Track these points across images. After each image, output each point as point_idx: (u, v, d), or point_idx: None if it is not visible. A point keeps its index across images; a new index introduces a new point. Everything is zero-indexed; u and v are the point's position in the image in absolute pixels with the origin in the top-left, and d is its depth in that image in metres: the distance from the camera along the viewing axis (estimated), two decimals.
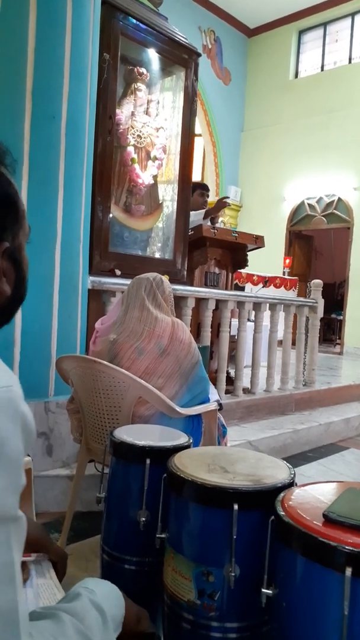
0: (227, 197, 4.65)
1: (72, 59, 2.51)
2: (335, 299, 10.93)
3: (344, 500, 0.87)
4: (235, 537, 0.97)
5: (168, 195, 3.75)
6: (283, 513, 0.85)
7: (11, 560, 0.54)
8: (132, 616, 0.81)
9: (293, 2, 9.55)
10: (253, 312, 4.01)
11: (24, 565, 0.85)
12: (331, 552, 0.74)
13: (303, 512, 0.84)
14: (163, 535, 1.15)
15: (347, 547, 0.73)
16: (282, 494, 0.93)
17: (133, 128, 3.35)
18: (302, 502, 0.88)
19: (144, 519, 1.25)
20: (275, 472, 1.08)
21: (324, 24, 9.81)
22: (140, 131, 3.39)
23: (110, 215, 3.19)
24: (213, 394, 2.13)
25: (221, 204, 4.33)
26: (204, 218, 4.22)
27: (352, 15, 9.39)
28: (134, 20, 3.23)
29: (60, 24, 2.46)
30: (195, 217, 4.09)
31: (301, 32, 10.17)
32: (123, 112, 3.31)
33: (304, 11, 9.76)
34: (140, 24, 3.27)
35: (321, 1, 9.44)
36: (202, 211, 4.28)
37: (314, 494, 0.92)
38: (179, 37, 3.57)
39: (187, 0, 9.17)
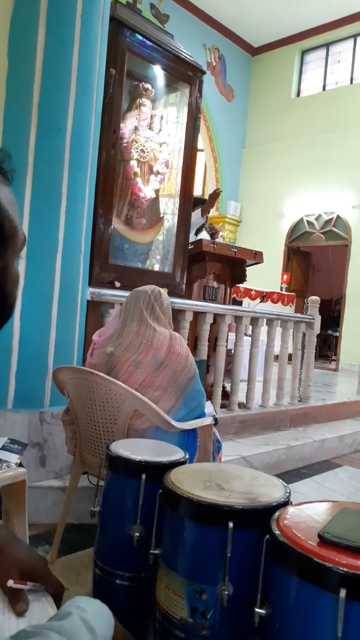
0: (220, 190, 4.76)
1: (79, 73, 2.54)
2: (332, 315, 10.97)
3: (339, 521, 0.87)
4: (229, 555, 0.97)
5: (169, 209, 3.78)
6: (278, 532, 0.85)
7: None
8: (119, 637, 0.80)
9: (296, 23, 9.71)
10: (250, 327, 4.02)
11: (21, 593, 0.81)
12: (326, 573, 0.75)
13: (298, 531, 0.84)
14: (157, 551, 1.15)
15: (341, 569, 0.74)
16: (277, 513, 0.94)
17: (137, 142, 3.39)
18: (297, 522, 0.88)
19: (138, 534, 1.25)
20: (271, 490, 1.09)
21: (327, 45, 9.97)
22: (144, 145, 3.43)
23: (112, 227, 3.21)
24: (208, 407, 2.13)
25: (215, 194, 4.45)
26: (202, 215, 4.31)
27: (354, 36, 9.55)
28: (141, 37, 3.28)
29: (69, 39, 2.50)
30: (195, 216, 4.15)
31: (304, 52, 10.33)
32: (127, 126, 3.35)
33: (307, 32, 9.92)
34: (147, 41, 3.32)
35: (324, 22, 9.60)
36: (199, 210, 4.34)
37: (309, 513, 0.92)
38: (184, 54, 3.62)
39: (193, 18, 9.32)
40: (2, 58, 2.46)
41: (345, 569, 0.74)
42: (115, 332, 2.00)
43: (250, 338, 4.06)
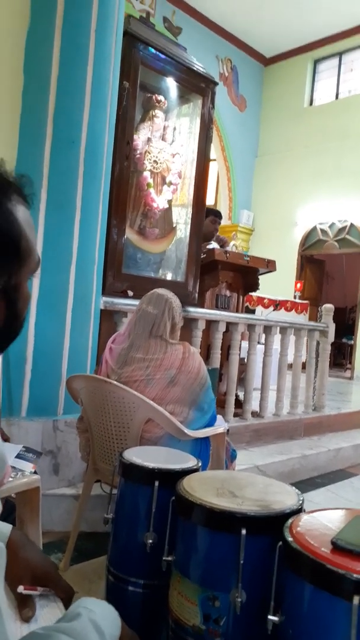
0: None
1: (93, 87, 2.59)
2: (346, 323, 10.88)
3: (352, 528, 0.87)
4: (242, 562, 0.98)
5: (182, 218, 3.81)
6: (291, 539, 0.86)
7: None
8: (126, 637, 0.81)
9: (308, 33, 9.75)
10: (263, 335, 4.02)
11: (30, 600, 0.82)
12: (339, 580, 0.75)
13: (311, 538, 0.84)
14: (170, 558, 1.15)
15: (355, 575, 0.74)
16: (290, 520, 0.94)
17: (150, 153, 3.43)
18: (310, 529, 0.88)
19: (151, 541, 1.25)
20: (284, 497, 1.09)
21: (339, 54, 9.99)
22: (157, 157, 3.46)
23: (125, 237, 3.24)
24: (219, 420, 2.13)
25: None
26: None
27: None
28: (154, 50, 3.33)
29: (83, 53, 2.55)
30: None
31: (316, 61, 10.36)
32: (140, 138, 3.39)
33: (319, 41, 9.96)
34: (160, 54, 3.37)
35: (336, 32, 9.63)
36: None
37: (322, 520, 0.92)
38: (197, 66, 3.67)
39: (205, 30, 9.41)
40: (18, 73, 2.51)
41: (358, 576, 0.74)
42: (122, 356, 1.98)
43: (263, 346, 4.05)
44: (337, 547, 0.81)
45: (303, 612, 0.81)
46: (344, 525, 0.90)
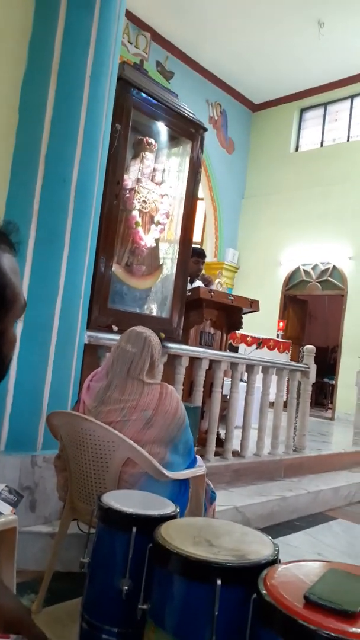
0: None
1: (86, 128, 2.67)
2: (328, 363, 10.98)
3: (325, 582, 0.88)
4: (217, 613, 0.97)
5: (168, 255, 3.87)
6: (265, 592, 0.86)
7: None
8: None
9: (296, 83, 10.19)
10: (246, 374, 4.04)
11: None
12: (310, 635, 0.75)
13: (285, 591, 0.84)
14: (145, 607, 1.13)
15: (325, 632, 0.74)
16: (265, 572, 0.94)
17: (139, 193, 3.51)
18: (284, 581, 0.89)
19: (126, 587, 1.23)
20: (260, 547, 1.09)
21: (325, 104, 10.43)
22: (146, 197, 3.55)
23: (112, 272, 3.28)
24: (199, 462, 2.12)
25: None
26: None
27: (352, 97, 10.00)
28: (146, 95, 3.45)
29: (78, 97, 2.64)
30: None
31: (303, 110, 10.79)
32: (130, 178, 3.47)
33: (306, 91, 10.40)
34: (152, 99, 3.50)
35: (323, 83, 10.08)
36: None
37: (296, 572, 0.93)
38: (187, 112, 3.80)
39: (196, 75, 9.80)
40: (14, 112, 2.58)
41: (329, 632, 0.74)
42: (99, 395, 1.98)
43: (245, 384, 4.07)
44: (309, 602, 0.81)
45: None
46: (318, 579, 0.90)
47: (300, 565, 0.97)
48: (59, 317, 2.58)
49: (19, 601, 0.93)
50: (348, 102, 10.10)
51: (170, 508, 1.41)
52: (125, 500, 1.41)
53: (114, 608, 1.27)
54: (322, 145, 10.42)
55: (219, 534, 1.15)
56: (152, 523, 1.23)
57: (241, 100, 10.88)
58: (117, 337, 2.92)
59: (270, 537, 1.16)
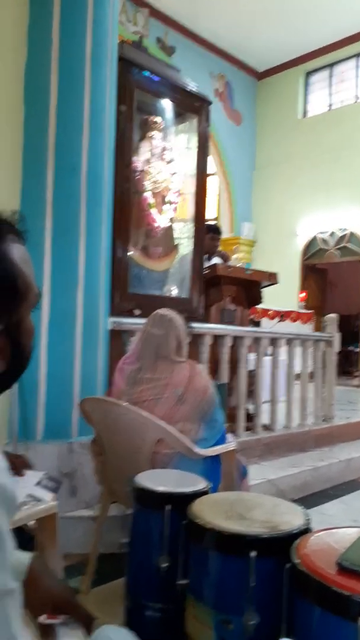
0: None
1: (91, 114, 2.65)
2: (352, 330, 10.84)
3: (357, 548, 0.89)
4: (253, 584, 0.99)
5: (183, 234, 3.85)
6: (298, 561, 0.88)
7: (12, 635, 0.55)
8: None
9: (299, 46, 9.89)
10: (270, 348, 4.04)
11: (51, 629, 0.84)
12: (344, 601, 0.76)
13: (317, 560, 0.86)
14: (184, 582, 1.17)
15: (359, 597, 0.75)
16: (297, 541, 0.96)
17: (149, 174, 3.49)
18: (316, 550, 0.90)
19: (165, 564, 1.27)
20: (291, 518, 1.11)
21: (330, 65, 10.12)
22: (156, 177, 3.52)
23: (129, 257, 3.29)
24: (229, 439, 2.15)
25: None
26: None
27: (357, 56, 9.68)
28: (148, 73, 3.40)
29: (80, 82, 2.62)
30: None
31: (308, 74, 10.49)
32: (139, 159, 3.45)
33: (310, 54, 10.09)
34: (154, 77, 3.44)
35: (326, 44, 9.75)
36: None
37: (328, 540, 0.94)
38: (191, 86, 3.74)
39: (198, 48, 9.57)
40: (19, 105, 2.58)
41: None
42: (131, 377, 2.02)
43: (270, 358, 4.06)
44: (342, 568, 0.82)
45: (312, 634, 0.83)
46: (350, 545, 0.92)
47: (332, 533, 0.99)
48: (82, 305, 2.61)
49: (64, 584, 0.97)
50: (354, 61, 9.79)
51: (202, 484, 1.44)
52: (158, 480, 1.44)
53: (155, 585, 1.31)
54: (330, 108, 10.15)
55: (250, 507, 1.18)
56: (184, 500, 1.26)
57: (245, 70, 10.62)
58: (140, 320, 2.96)
59: (301, 507, 1.18)
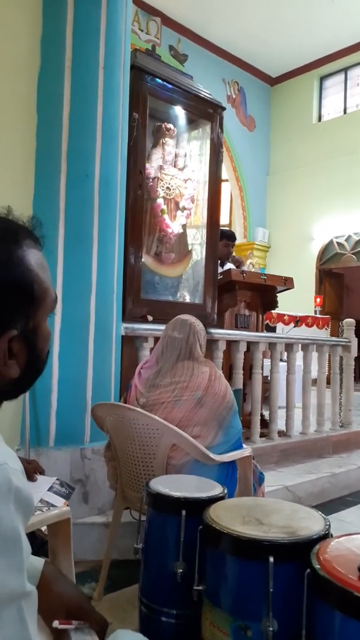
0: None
1: (104, 121, 2.67)
2: None
3: None
4: (272, 590, 0.97)
5: (197, 240, 3.85)
6: (318, 566, 0.86)
7: (28, 637, 0.55)
8: None
9: (313, 50, 9.89)
10: (285, 353, 4.00)
11: (65, 634, 0.83)
12: None
13: (338, 565, 0.84)
14: (200, 588, 1.15)
15: None
16: (317, 546, 0.94)
17: (162, 181, 3.50)
18: (337, 555, 0.88)
19: (181, 570, 1.25)
20: (311, 523, 1.08)
21: (345, 69, 10.10)
22: (169, 183, 3.53)
23: (142, 263, 3.30)
24: (244, 446, 2.13)
25: None
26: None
27: None
28: (161, 81, 3.42)
29: (93, 90, 2.64)
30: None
31: (322, 78, 10.48)
32: (152, 166, 3.46)
33: (324, 58, 10.09)
34: (167, 84, 3.46)
35: (340, 48, 9.74)
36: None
37: (349, 546, 0.92)
38: (204, 93, 3.75)
39: (210, 55, 9.63)
40: (32, 113, 2.61)
41: None
42: (150, 380, 2.03)
43: (286, 364, 4.03)
44: None
45: None
46: None
47: (352, 539, 0.96)
48: (94, 312, 2.62)
49: (78, 589, 0.96)
50: None
51: (217, 490, 1.42)
52: (173, 485, 1.43)
53: (171, 591, 1.30)
54: (345, 112, 10.12)
55: (268, 512, 1.15)
56: (200, 505, 1.25)
57: (258, 76, 10.64)
58: (152, 327, 2.96)
59: (320, 513, 1.16)
